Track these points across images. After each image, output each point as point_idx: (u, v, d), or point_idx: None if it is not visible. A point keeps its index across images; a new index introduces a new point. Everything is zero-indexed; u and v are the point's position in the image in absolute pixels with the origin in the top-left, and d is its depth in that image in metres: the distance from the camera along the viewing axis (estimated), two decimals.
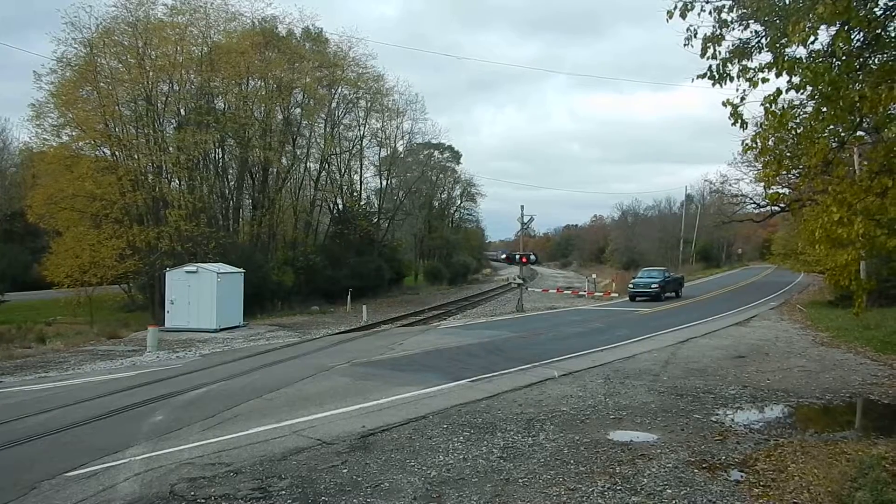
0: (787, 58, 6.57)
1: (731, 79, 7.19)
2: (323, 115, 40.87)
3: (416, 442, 8.10)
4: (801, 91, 6.83)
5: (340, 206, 45.01)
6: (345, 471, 7.00)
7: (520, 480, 6.68)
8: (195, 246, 29.25)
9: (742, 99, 7.17)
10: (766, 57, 7.12)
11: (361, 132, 45.51)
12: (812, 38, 6.29)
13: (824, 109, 7.06)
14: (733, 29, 7.40)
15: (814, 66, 6.37)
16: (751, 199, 37.58)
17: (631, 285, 34.92)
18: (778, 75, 6.61)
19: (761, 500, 6.09)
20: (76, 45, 29.29)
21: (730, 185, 39.15)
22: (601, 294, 38.11)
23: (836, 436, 8.49)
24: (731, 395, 11.06)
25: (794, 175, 12.55)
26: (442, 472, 6.94)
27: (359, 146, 45.85)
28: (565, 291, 41.77)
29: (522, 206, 38.15)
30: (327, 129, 41.77)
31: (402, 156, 52.36)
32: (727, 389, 11.43)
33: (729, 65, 7.18)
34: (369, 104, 43.95)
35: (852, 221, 6.79)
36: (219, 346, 18.92)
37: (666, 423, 9.05)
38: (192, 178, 31.82)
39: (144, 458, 7.52)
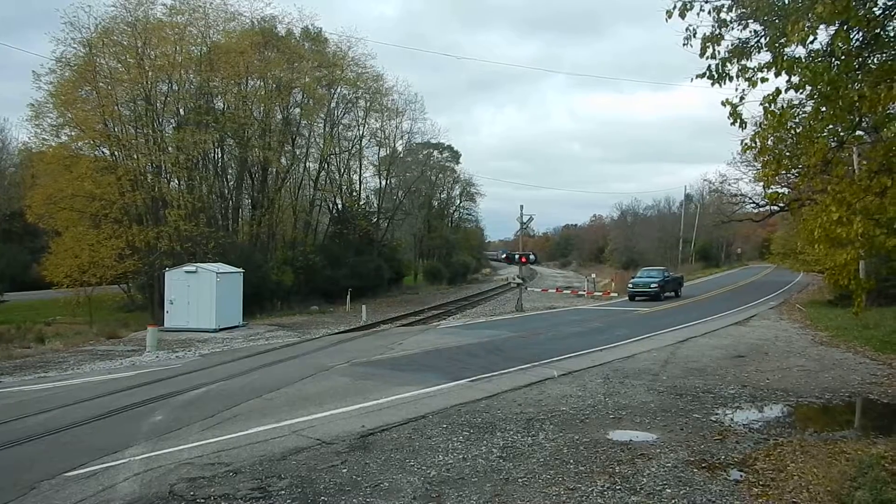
0: (786, 57, 6.57)
1: (731, 78, 7.19)
2: (322, 115, 40.87)
3: (416, 442, 8.10)
4: (801, 91, 6.84)
5: (340, 206, 45.03)
6: (344, 470, 7.00)
7: (519, 480, 6.68)
8: (194, 246, 29.25)
9: (741, 98, 7.18)
10: (765, 56, 7.13)
11: (361, 132, 45.57)
12: (811, 38, 6.29)
13: (823, 109, 7.07)
14: (732, 28, 7.41)
15: (813, 66, 6.37)
16: (750, 198, 37.65)
17: (630, 285, 34.93)
18: (777, 75, 6.61)
19: (761, 500, 6.09)
20: (75, 45, 29.34)
21: (729, 184, 39.21)
22: (600, 294, 38.12)
23: (835, 435, 8.50)
24: (731, 394, 11.07)
25: (793, 174, 12.54)
26: (441, 472, 6.94)
27: (358, 146, 45.91)
28: (564, 291, 41.78)
29: (522, 206, 38.25)
30: (326, 129, 41.77)
31: (401, 155, 52.35)
32: (726, 389, 11.44)
33: (728, 64, 7.19)
34: (368, 104, 43.98)
35: (851, 221, 6.79)
36: (218, 345, 18.91)
37: (665, 422, 9.05)
38: (191, 177, 31.81)
39: (144, 458, 7.52)
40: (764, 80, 6.96)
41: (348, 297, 33.93)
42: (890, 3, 6.70)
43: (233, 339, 20.68)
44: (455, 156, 67.24)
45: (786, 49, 6.76)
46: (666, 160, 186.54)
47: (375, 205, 49.58)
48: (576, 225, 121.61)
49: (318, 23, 49.14)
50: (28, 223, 35.05)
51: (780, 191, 18.44)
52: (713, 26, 7.14)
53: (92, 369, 14.95)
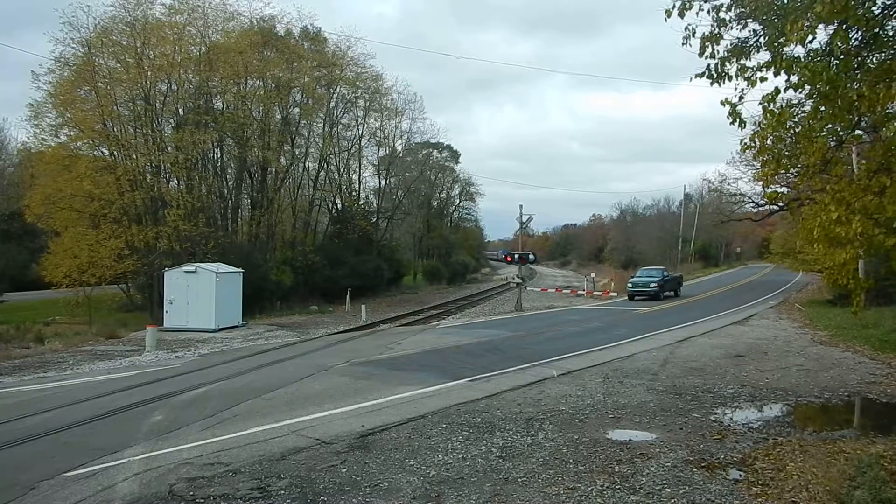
0: (785, 57, 6.57)
1: (730, 78, 7.19)
2: (321, 115, 40.89)
3: (415, 441, 8.10)
4: (800, 90, 6.83)
5: (339, 206, 45.03)
6: (344, 470, 7.00)
7: (519, 480, 6.68)
8: (194, 246, 29.26)
9: (740, 98, 7.18)
10: (764, 56, 7.14)
11: (360, 132, 45.60)
12: (810, 37, 6.29)
13: (822, 108, 7.07)
14: (731, 28, 7.42)
15: (812, 65, 6.37)
16: (749, 198, 37.58)
17: (630, 284, 34.94)
18: (776, 74, 6.61)
19: (760, 499, 6.09)
20: (74, 45, 29.36)
21: (728, 184, 39.12)
22: (600, 293, 38.14)
23: (834, 434, 8.51)
24: (730, 394, 11.07)
25: (792, 174, 12.51)
26: (441, 472, 6.94)
27: (357, 146, 45.92)
28: (564, 291, 41.80)
29: (521, 206, 38.34)
30: (326, 129, 41.77)
31: (400, 155, 52.36)
32: (726, 388, 11.44)
33: (727, 64, 7.19)
34: (368, 104, 44.03)
35: (850, 220, 6.79)
36: (218, 345, 18.91)
37: (665, 422, 9.05)
38: (190, 177, 31.81)
39: (143, 458, 7.52)
40: (763, 79, 6.97)
41: (348, 296, 33.94)
42: (889, 3, 6.70)
43: (232, 338, 20.67)
44: (454, 155, 67.32)
45: (785, 48, 6.76)
46: (665, 160, 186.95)
47: (375, 204, 49.61)
48: (575, 224, 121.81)
49: (317, 22, 49.42)
50: (27, 223, 35.05)
51: (779, 190, 18.39)
52: (712, 26, 7.15)
53: (91, 369, 14.95)
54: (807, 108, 7.93)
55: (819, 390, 11.34)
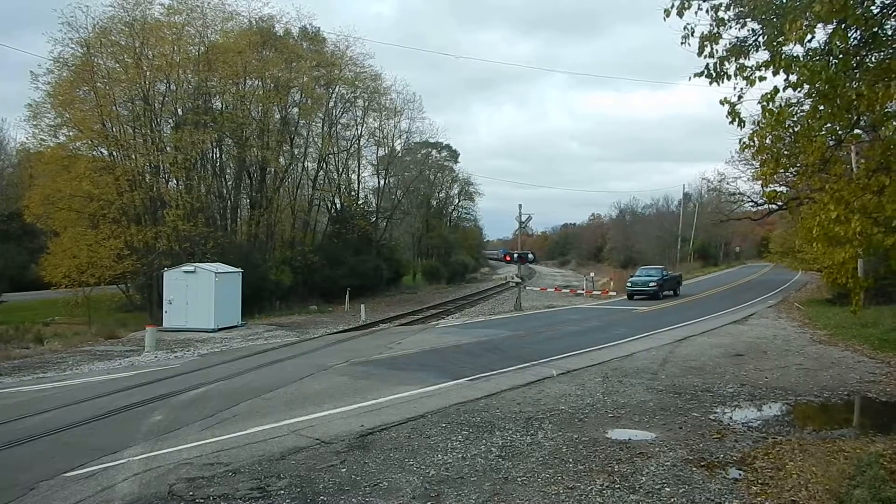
0: (784, 56, 6.57)
1: (729, 77, 7.19)
2: (320, 115, 40.90)
3: (415, 441, 8.10)
4: (799, 89, 6.83)
5: (338, 206, 45.05)
6: (343, 470, 7.00)
7: (518, 479, 6.68)
8: (193, 246, 29.26)
9: (739, 97, 7.18)
10: (763, 55, 7.13)
11: (359, 131, 45.62)
12: (809, 37, 6.28)
13: (821, 107, 7.07)
14: (730, 27, 7.41)
15: (811, 65, 6.37)
16: (748, 197, 37.58)
17: (629, 284, 34.94)
18: (775, 73, 6.61)
19: (760, 498, 6.10)
20: (73, 45, 29.37)
21: (727, 183, 39.11)
22: (599, 292, 38.16)
23: (833, 434, 8.51)
24: (730, 393, 11.07)
25: (791, 173, 12.51)
26: (441, 471, 6.94)
27: (356, 145, 45.95)
28: (563, 290, 41.82)
29: (520, 205, 38.30)
30: (325, 129, 41.78)
31: (399, 155, 52.37)
32: (725, 388, 11.45)
33: (726, 63, 7.19)
34: (367, 103, 44.06)
35: (849, 219, 6.79)
36: (217, 345, 18.91)
37: (664, 421, 9.06)
38: (189, 177, 31.83)
39: (143, 458, 7.52)
40: (762, 78, 6.96)
41: (347, 296, 33.95)
42: (888, 2, 6.70)
43: (231, 338, 20.67)
44: (453, 155, 67.36)
45: (784, 48, 6.76)
46: (664, 159, 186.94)
47: (374, 204, 49.66)
48: (574, 224, 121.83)
49: (315, 22, 49.39)
50: (26, 223, 35.04)
51: (778, 189, 18.44)
52: (711, 25, 7.13)
53: (90, 370, 14.94)
54: (806, 107, 7.93)
55: (818, 389, 11.34)
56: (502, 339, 18.66)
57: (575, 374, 12.67)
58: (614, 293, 37.03)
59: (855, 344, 16.58)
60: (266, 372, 13.74)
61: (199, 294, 22.80)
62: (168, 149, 30.78)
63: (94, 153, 30.98)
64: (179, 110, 32.84)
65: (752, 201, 37.54)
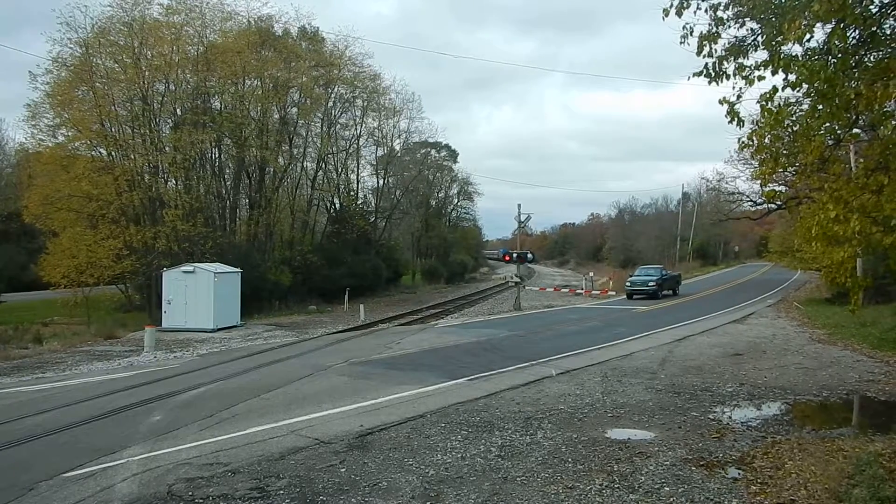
0: (782, 55, 6.58)
1: (728, 77, 7.20)
2: (319, 115, 40.88)
3: (414, 441, 8.10)
4: (797, 89, 6.83)
5: (337, 206, 45.02)
6: (343, 470, 7.00)
7: (518, 479, 6.68)
8: (192, 246, 29.24)
9: (738, 97, 7.19)
10: (762, 55, 7.14)
11: (358, 131, 45.60)
12: (808, 36, 6.29)
13: (820, 107, 7.07)
14: (729, 27, 7.40)
15: (810, 64, 6.37)
16: (747, 196, 37.70)
17: (628, 283, 34.94)
18: (774, 73, 6.61)
19: (759, 498, 6.10)
20: (72, 45, 29.33)
21: (726, 182, 39.20)
22: (598, 292, 38.16)
23: (833, 433, 8.51)
24: (729, 392, 11.08)
25: (790, 173, 12.52)
26: (440, 471, 6.94)
27: (355, 145, 45.93)
28: (562, 290, 41.85)
29: (519, 205, 38.21)
30: (324, 129, 41.76)
31: (398, 155, 52.37)
32: (724, 387, 11.45)
33: (725, 63, 7.20)
34: (366, 103, 44.03)
35: (848, 219, 6.80)
36: (216, 345, 18.90)
37: (663, 420, 9.06)
38: (188, 177, 31.82)
39: (142, 458, 7.52)
40: (761, 78, 6.97)
41: (346, 296, 33.93)
42: (886, 1, 6.70)
43: (231, 338, 20.67)
44: (452, 155, 67.35)
45: (782, 47, 6.77)
46: (663, 158, 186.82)
47: (373, 204, 49.62)
48: (574, 224, 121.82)
49: (314, 22, 49.32)
50: (25, 224, 35.01)
51: (777, 189, 18.48)
52: (710, 24, 7.14)
53: (90, 370, 14.94)
54: (805, 106, 7.94)
55: (817, 389, 11.34)
56: (501, 338, 18.66)
57: (574, 374, 12.67)
58: (613, 293, 37.05)
59: (854, 343, 16.59)
60: (265, 372, 13.73)
61: (199, 294, 22.80)
62: (167, 149, 30.76)
63: (93, 153, 30.95)
64: (178, 110, 32.82)
65: (751, 201, 37.68)
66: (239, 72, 32.60)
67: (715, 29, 7.11)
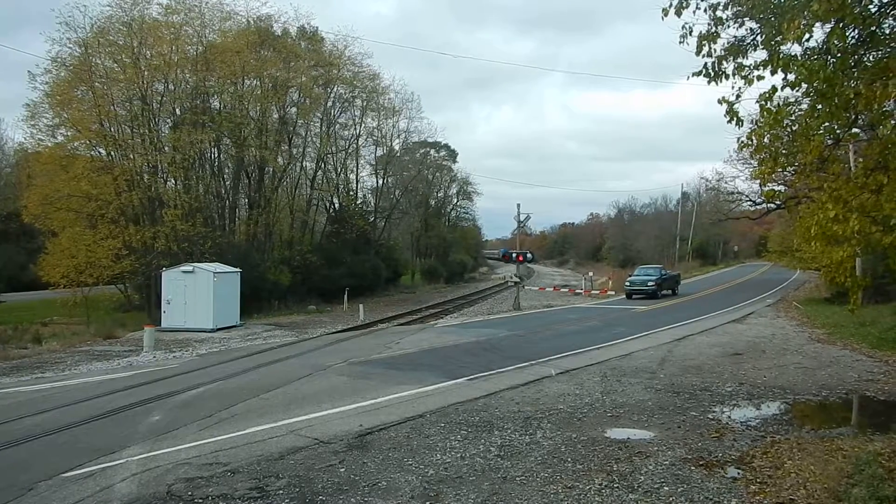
0: (782, 55, 6.57)
1: (727, 76, 7.20)
2: (319, 114, 40.88)
3: (414, 441, 8.10)
4: (797, 88, 6.83)
5: (337, 206, 45.00)
6: (342, 470, 7.00)
7: (517, 479, 6.68)
8: (191, 245, 29.23)
9: (737, 96, 7.18)
10: (761, 54, 7.14)
11: (357, 131, 45.58)
12: (807, 36, 6.29)
13: (819, 107, 7.08)
14: (728, 27, 7.40)
15: (809, 64, 6.37)
16: (747, 196, 37.69)
17: (627, 283, 34.95)
18: (773, 73, 6.62)
19: (758, 497, 6.10)
20: (71, 45, 29.30)
21: (726, 182, 39.22)
22: (598, 292, 38.16)
23: (832, 432, 8.51)
24: (728, 392, 11.08)
25: (789, 172, 12.55)
26: (440, 471, 6.94)
27: (355, 145, 45.92)
28: (562, 289, 41.85)
29: (519, 205, 38.11)
30: (323, 128, 41.75)
31: (398, 154, 52.36)
32: (724, 387, 11.45)
33: (724, 62, 7.20)
34: (365, 103, 44.02)
35: (848, 218, 6.80)
36: (215, 345, 18.90)
37: (663, 420, 9.06)
38: (187, 177, 31.79)
39: (141, 458, 7.52)
40: (760, 77, 6.97)
41: (346, 296, 33.92)
42: (886, 1, 6.70)
43: (230, 338, 20.66)
44: (452, 154, 67.35)
45: (782, 47, 6.77)
46: (663, 158, 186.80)
47: (372, 204, 49.59)
48: (573, 223, 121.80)
49: (314, 22, 49.39)
50: (24, 224, 34.96)
51: (776, 188, 18.46)
52: (709, 24, 7.14)
53: (89, 370, 14.94)
54: (804, 106, 7.93)
55: (817, 388, 11.35)
56: (501, 338, 18.66)
57: (574, 374, 12.67)
58: (613, 292, 37.05)
59: (853, 343, 16.60)
60: (264, 372, 13.73)
61: (198, 294, 22.79)
62: (166, 148, 30.75)
63: (92, 153, 30.93)
64: (177, 110, 32.80)
65: (750, 200, 37.67)
66: (238, 71, 32.59)
67: (714, 29, 7.11)
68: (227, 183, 36.24)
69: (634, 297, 33.27)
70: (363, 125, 45.68)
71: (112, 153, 30.75)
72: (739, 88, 7.20)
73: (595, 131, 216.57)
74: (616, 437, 8.26)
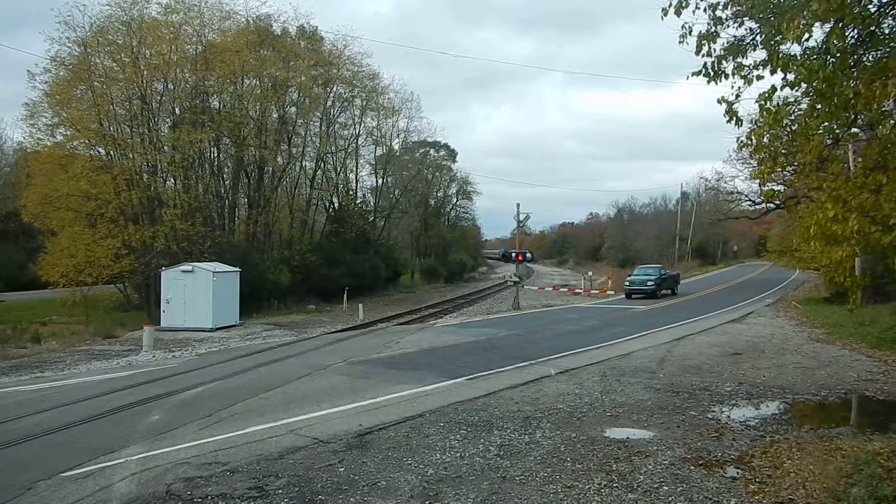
0: (781, 55, 6.58)
1: (726, 76, 7.20)
2: (318, 114, 40.87)
3: (413, 440, 8.10)
4: (796, 88, 6.83)
5: (336, 205, 44.99)
6: (342, 469, 7.00)
7: (517, 478, 6.68)
8: (191, 245, 29.22)
9: (737, 96, 7.19)
10: (760, 54, 7.15)
11: (357, 130, 45.56)
12: (806, 36, 6.29)
13: (819, 106, 7.07)
14: (728, 26, 7.41)
15: (808, 64, 6.37)
16: (746, 196, 37.65)
17: (627, 283, 34.96)
18: (773, 72, 6.62)
19: (757, 497, 6.10)
20: (70, 45, 29.30)
21: (725, 182, 39.21)
22: (597, 292, 38.18)
23: (831, 432, 8.52)
24: (727, 391, 11.09)
25: (789, 172, 12.56)
26: (439, 471, 6.94)
27: (354, 144, 45.90)
28: (561, 289, 41.87)
29: (518, 204, 38.03)
30: (323, 128, 41.74)
31: (397, 154, 52.36)
32: (723, 386, 11.46)
33: (724, 62, 7.20)
34: (365, 102, 44.01)
35: (847, 218, 6.79)
36: (215, 345, 18.89)
37: (662, 420, 9.06)
38: (187, 177, 31.79)
39: (141, 457, 7.51)
40: (759, 77, 6.98)
41: (345, 296, 33.91)
42: (885, 1, 6.70)
43: (229, 338, 20.65)
44: (451, 154, 67.34)
45: (781, 47, 6.77)
46: (662, 158, 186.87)
47: (372, 203, 49.58)
48: (572, 223, 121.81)
49: (313, 21, 49.32)
50: (24, 223, 34.93)
51: (776, 188, 18.40)
52: (709, 24, 7.14)
53: (88, 369, 14.93)
54: (803, 106, 7.93)
55: (816, 388, 11.36)
56: (500, 338, 18.66)
57: (573, 373, 12.67)
58: (612, 292, 37.07)
59: (852, 342, 16.61)
60: (264, 371, 13.73)
61: (197, 293, 22.78)
62: (165, 148, 30.74)
63: (92, 152, 30.92)
64: (177, 109, 32.78)
65: (749, 200, 37.64)
66: (237, 71, 32.58)
67: (714, 28, 7.11)
68: (227, 182, 36.24)
69: (634, 296, 33.28)
70: (363, 125, 45.74)
71: (111, 152, 30.75)
72: (739, 88, 7.21)
73: (595, 131, 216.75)
74: (615, 436, 8.26)
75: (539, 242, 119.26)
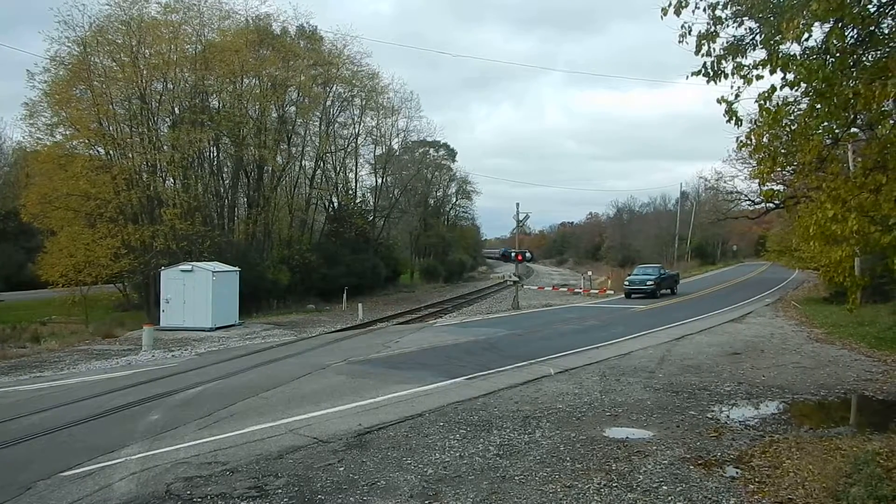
0: (781, 55, 6.58)
1: (726, 76, 7.20)
2: (318, 114, 40.83)
3: (413, 440, 8.10)
4: (796, 88, 6.84)
5: (336, 205, 44.97)
6: (341, 469, 7.00)
7: (516, 478, 6.69)
8: (190, 245, 29.21)
9: (737, 96, 7.18)
10: (760, 54, 7.14)
11: (356, 130, 45.50)
12: (806, 35, 6.30)
13: (818, 106, 7.08)
14: (727, 26, 7.41)
15: (808, 63, 6.38)
16: (746, 195, 37.66)
17: (626, 282, 34.99)
18: (772, 72, 6.62)
19: (757, 496, 6.11)
20: (69, 44, 29.20)
21: (725, 181, 39.18)
22: (597, 291, 38.20)
23: (830, 432, 8.52)
24: (727, 391, 11.09)
25: (788, 172, 12.57)
26: (438, 470, 6.94)
27: (354, 144, 45.85)
28: (561, 289, 41.89)
29: (518, 204, 38.10)
30: (322, 128, 41.71)
31: (397, 154, 52.34)
32: (722, 386, 11.46)
33: (723, 62, 7.19)
34: (364, 102, 43.96)
35: (846, 218, 6.80)
36: (214, 344, 18.89)
37: (662, 419, 9.07)
38: (186, 176, 31.75)
39: (140, 457, 7.51)
40: (759, 77, 6.97)
41: (345, 295, 33.92)
42: (885, 1, 6.71)
43: (229, 337, 20.65)
44: (451, 154, 67.40)
45: (781, 46, 6.77)
46: (662, 157, 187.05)
47: (371, 203, 49.56)
48: (572, 223, 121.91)
49: (313, 21, 49.52)
50: (23, 222, 34.87)
51: (775, 188, 18.39)
52: (708, 24, 7.14)
53: (88, 369, 14.93)
54: (803, 105, 7.93)
55: (815, 388, 11.36)
56: (500, 337, 18.67)
57: (573, 373, 12.68)
58: (612, 292, 37.09)
59: (852, 342, 16.62)
60: (263, 371, 13.73)
61: (197, 293, 22.78)
62: (165, 147, 30.70)
63: (91, 152, 30.84)
64: (176, 109, 32.72)
65: (749, 200, 37.64)
66: (237, 70, 32.55)
67: (713, 28, 7.11)
68: (226, 182, 36.19)
69: (633, 296, 33.31)
70: (362, 124, 45.68)
71: (111, 152, 30.69)
72: (738, 88, 7.20)
73: (594, 130, 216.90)
74: (615, 436, 8.27)
75: (539, 242, 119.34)
